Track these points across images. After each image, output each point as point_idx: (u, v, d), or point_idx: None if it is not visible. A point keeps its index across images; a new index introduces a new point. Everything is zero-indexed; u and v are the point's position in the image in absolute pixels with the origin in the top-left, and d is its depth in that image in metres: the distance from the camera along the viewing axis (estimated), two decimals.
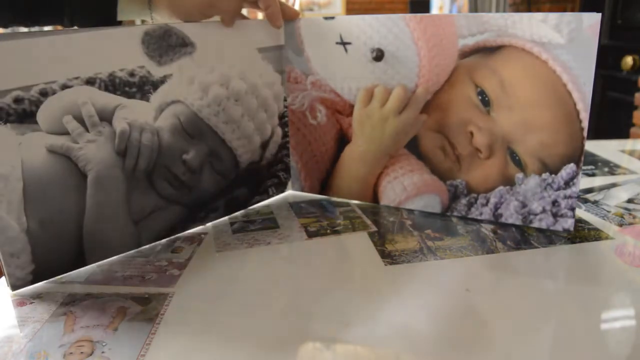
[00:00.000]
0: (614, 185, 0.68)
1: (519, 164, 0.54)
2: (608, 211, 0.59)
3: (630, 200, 0.62)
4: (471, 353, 0.36)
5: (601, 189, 0.66)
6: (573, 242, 0.52)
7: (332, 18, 0.59)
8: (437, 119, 0.57)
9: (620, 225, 0.56)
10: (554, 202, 0.53)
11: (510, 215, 0.55)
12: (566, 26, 0.49)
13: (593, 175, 0.72)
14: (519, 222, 0.55)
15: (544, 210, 0.53)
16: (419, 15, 0.55)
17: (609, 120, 1.91)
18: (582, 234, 0.54)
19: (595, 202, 0.62)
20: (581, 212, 0.59)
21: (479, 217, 0.57)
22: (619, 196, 0.64)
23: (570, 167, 0.51)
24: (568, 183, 0.52)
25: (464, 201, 0.57)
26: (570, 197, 0.52)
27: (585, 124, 0.50)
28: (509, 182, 0.55)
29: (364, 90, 0.59)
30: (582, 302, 0.42)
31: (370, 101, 0.59)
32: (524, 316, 0.40)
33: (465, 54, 0.54)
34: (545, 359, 0.36)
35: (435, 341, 0.38)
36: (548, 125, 0.51)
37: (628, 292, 0.44)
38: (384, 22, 0.56)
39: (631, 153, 0.84)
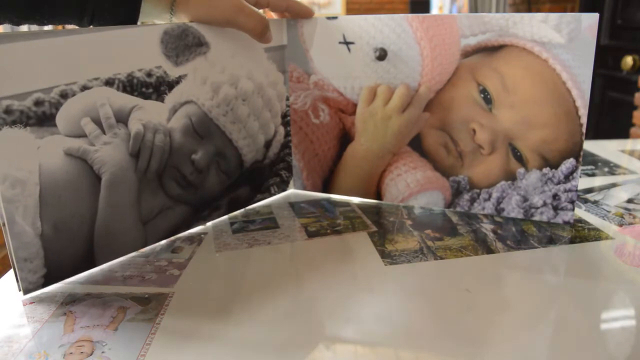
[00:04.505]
0: (614, 185, 0.68)
1: (521, 160, 0.55)
2: (608, 211, 0.59)
3: (630, 200, 0.62)
4: (471, 353, 0.36)
5: (601, 189, 0.66)
6: (573, 242, 0.52)
7: (335, 18, 0.59)
8: (440, 117, 0.58)
9: (620, 225, 0.56)
10: (555, 196, 0.54)
11: (512, 209, 0.56)
12: (566, 26, 0.50)
13: (593, 175, 0.72)
14: (520, 216, 0.56)
15: (544, 204, 0.55)
16: (421, 15, 0.55)
17: (609, 120, 1.91)
18: (582, 234, 0.54)
19: (595, 202, 0.62)
20: (581, 212, 0.59)
21: (481, 212, 0.58)
22: (619, 196, 0.64)
23: (570, 162, 0.53)
24: (568, 177, 0.53)
25: (466, 197, 0.58)
26: (570, 190, 0.54)
27: (584, 120, 0.52)
28: (511, 177, 0.56)
29: (367, 89, 0.59)
30: (582, 302, 0.42)
31: (373, 100, 0.59)
32: (524, 316, 0.41)
33: (468, 53, 0.55)
34: (545, 359, 0.36)
35: (435, 341, 0.38)
36: (548, 122, 0.53)
37: (628, 292, 0.44)
38: (387, 22, 0.56)
39: (631, 153, 0.84)
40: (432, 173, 0.59)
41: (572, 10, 2.18)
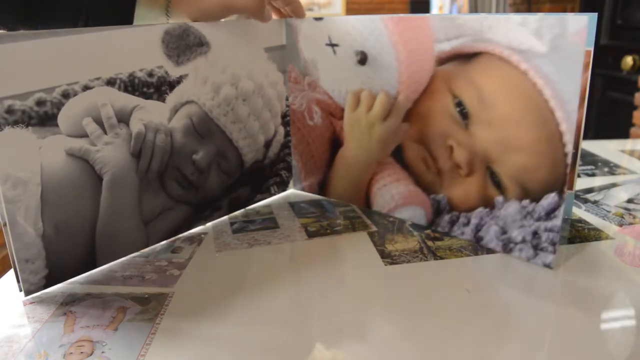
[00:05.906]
0: (614, 185, 0.68)
1: (499, 186, 0.49)
2: (608, 211, 0.59)
3: (630, 200, 0.62)
4: (471, 353, 0.36)
5: (601, 189, 0.66)
6: (573, 242, 0.52)
7: (321, 19, 0.57)
8: (419, 129, 0.54)
9: (620, 225, 0.56)
10: (534, 233, 0.47)
11: (491, 240, 0.50)
12: (548, 31, 0.42)
13: (593, 175, 0.72)
14: (499, 249, 0.50)
15: (524, 240, 0.48)
16: (396, 16, 0.51)
17: (609, 120, 1.91)
18: (582, 234, 0.54)
19: (595, 202, 0.62)
20: (581, 212, 0.59)
21: (461, 237, 0.53)
22: (619, 196, 0.64)
23: (551, 197, 0.45)
24: (549, 214, 0.46)
25: (446, 218, 0.54)
26: (551, 230, 0.46)
27: (569, 148, 0.43)
28: (489, 204, 0.50)
29: (352, 94, 0.58)
30: (582, 302, 0.42)
31: (357, 105, 0.58)
32: (523, 315, 0.41)
33: (442, 60, 0.49)
34: (544, 359, 0.36)
35: (435, 341, 0.38)
36: (528, 146, 0.46)
37: (628, 292, 0.44)
38: (366, 24, 0.53)
39: (631, 153, 0.84)
40: (413, 188, 0.56)
41: (572, 10, 2.17)
